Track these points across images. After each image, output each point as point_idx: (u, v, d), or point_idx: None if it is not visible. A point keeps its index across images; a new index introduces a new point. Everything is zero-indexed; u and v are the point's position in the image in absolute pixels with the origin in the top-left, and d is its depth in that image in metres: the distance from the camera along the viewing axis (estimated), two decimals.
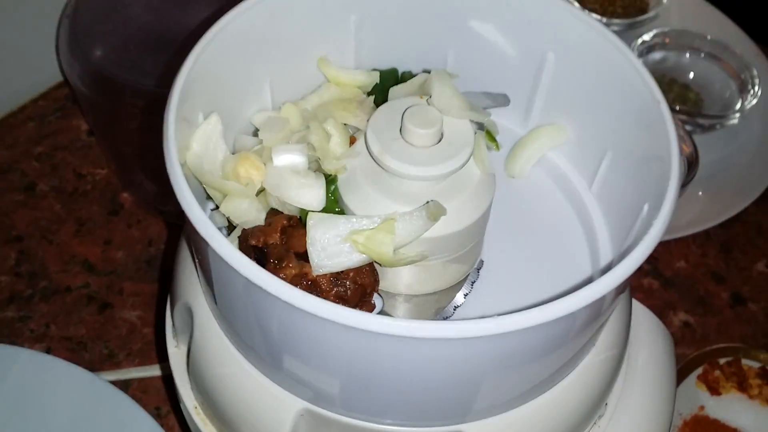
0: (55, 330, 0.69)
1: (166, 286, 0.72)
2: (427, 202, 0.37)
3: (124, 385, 0.66)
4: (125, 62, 0.68)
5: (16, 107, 0.84)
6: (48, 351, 0.68)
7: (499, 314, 0.31)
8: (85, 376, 0.63)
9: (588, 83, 0.44)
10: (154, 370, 0.68)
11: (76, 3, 0.72)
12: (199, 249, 0.37)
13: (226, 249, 0.32)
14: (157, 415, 0.65)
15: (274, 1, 0.43)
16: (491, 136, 0.42)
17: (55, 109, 0.85)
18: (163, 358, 0.67)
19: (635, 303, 0.50)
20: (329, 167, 0.39)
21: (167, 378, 0.67)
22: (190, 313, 0.43)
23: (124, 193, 0.78)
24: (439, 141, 0.39)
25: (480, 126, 0.42)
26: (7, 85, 0.83)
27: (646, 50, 0.91)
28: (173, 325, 0.47)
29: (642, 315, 0.50)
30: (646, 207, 0.39)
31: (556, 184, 0.48)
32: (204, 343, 0.42)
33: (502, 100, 0.47)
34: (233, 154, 0.41)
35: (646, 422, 0.46)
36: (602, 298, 0.32)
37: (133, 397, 0.65)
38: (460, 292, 0.42)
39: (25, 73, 0.83)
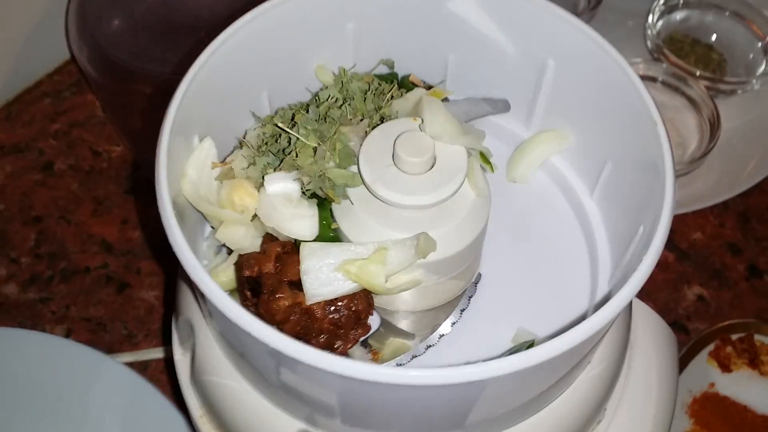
0: (75, 311, 0.71)
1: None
2: (418, 236, 0.37)
3: (143, 366, 0.68)
4: (133, 47, 0.67)
5: (32, 83, 0.85)
6: (69, 333, 0.70)
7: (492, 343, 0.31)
8: (100, 359, 0.64)
9: (587, 92, 0.44)
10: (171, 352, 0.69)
11: None
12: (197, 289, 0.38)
13: (223, 302, 0.32)
14: (176, 397, 0.67)
15: (270, 15, 0.43)
16: (485, 158, 0.41)
17: (70, 84, 0.85)
18: (167, 342, 0.69)
19: (638, 303, 0.50)
20: (328, 194, 0.39)
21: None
22: (191, 329, 0.44)
23: (140, 170, 0.79)
24: (433, 166, 0.39)
25: None
26: (23, 61, 0.83)
27: (668, 10, 0.88)
28: (178, 335, 0.48)
29: (644, 314, 0.50)
30: (641, 228, 0.39)
31: (557, 190, 0.48)
32: (205, 360, 0.43)
33: (502, 107, 0.47)
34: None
35: (645, 424, 0.47)
36: (589, 338, 0.33)
37: (152, 377, 0.68)
38: (449, 318, 0.43)
39: (40, 48, 0.83)
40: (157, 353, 0.69)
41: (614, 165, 0.44)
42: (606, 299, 0.36)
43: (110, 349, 0.69)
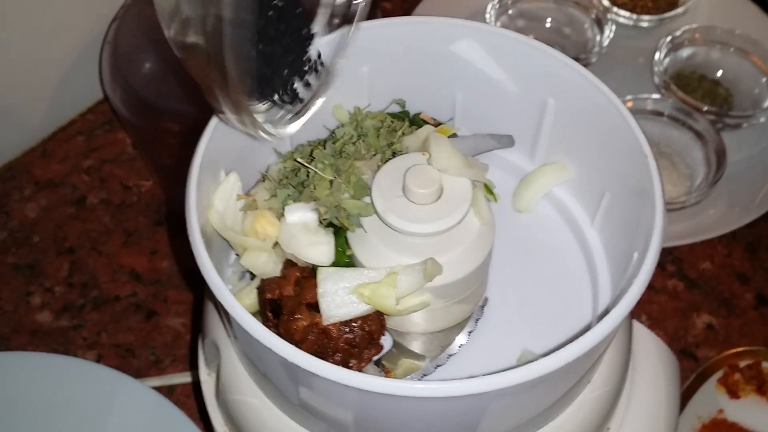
0: (105, 338, 0.75)
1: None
2: (425, 261, 0.40)
3: (169, 390, 0.71)
4: (163, 88, 0.71)
5: (66, 122, 0.89)
6: (99, 358, 0.73)
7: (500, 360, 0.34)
8: (129, 383, 0.68)
9: (585, 128, 0.47)
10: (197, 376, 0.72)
11: (117, 29, 0.76)
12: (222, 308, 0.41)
13: (245, 319, 0.36)
14: (201, 418, 0.70)
15: None
16: (489, 189, 0.44)
17: (102, 123, 0.89)
18: (193, 367, 0.72)
19: (641, 328, 0.53)
20: (343, 223, 0.43)
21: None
22: (217, 349, 0.47)
23: (168, 203, 0.83)
24: (440, 197, 0.42)
25: None
26: (58, 101, 0.87)
27: (674, 47, 0.91)
28: (204, 356, 0.51)
29: (647, 339, 0.52)
30: (635, 255, 0.42)
31: (560, 219, 0.51)
32: (229, 380, 0.46)
33: (507, 142, 0.50)
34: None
35: None
36: (581, 356, 0.35)
37: (178, 401, 0.71)
38: (459, 337, 0.45)
39: (74, 90, 0.88)
40: (183, 378, 0.72)
41: (612, 195, 0.47)
42: None
43: (138, 373, 0.72)
